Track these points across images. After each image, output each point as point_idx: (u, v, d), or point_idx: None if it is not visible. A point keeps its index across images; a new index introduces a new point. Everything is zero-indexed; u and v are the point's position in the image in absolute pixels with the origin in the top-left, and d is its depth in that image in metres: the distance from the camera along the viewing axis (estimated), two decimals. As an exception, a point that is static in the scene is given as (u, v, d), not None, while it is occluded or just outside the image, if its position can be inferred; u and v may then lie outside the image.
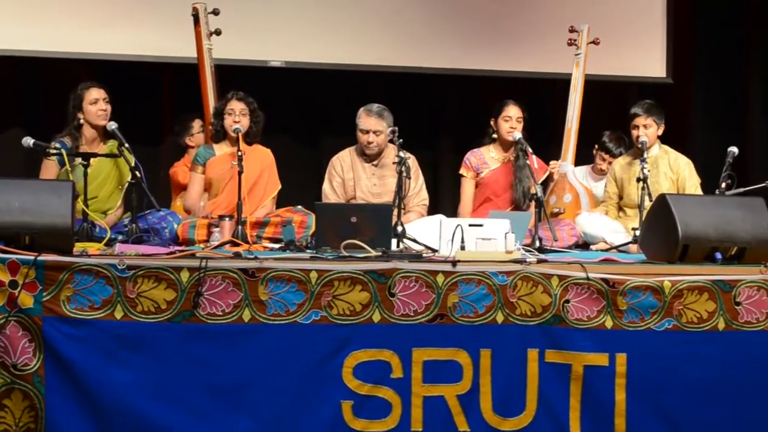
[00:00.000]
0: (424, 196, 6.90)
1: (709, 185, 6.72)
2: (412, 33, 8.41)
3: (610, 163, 7.21)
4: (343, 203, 6.61)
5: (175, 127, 7.70)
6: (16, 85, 8.08)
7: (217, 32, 7.15)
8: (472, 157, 7.08)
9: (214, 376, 4.45)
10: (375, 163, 6.80)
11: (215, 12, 7.14)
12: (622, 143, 7.27)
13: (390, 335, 4.59)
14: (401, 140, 6.00)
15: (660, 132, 6.74)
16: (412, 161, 6.54)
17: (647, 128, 6.65)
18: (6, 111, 8.01)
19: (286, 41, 8.19)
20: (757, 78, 9.03)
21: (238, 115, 6.45)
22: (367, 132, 6.68)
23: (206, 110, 7.00)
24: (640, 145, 6.52)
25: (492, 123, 7.03)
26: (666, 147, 6.84)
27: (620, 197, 6.85)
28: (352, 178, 6.78)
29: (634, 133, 6.68)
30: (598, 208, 6.95)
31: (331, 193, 6.78)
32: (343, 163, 6.82)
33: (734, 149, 6.41)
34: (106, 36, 7.87)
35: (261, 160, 6.58)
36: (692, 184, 6.71)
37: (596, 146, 7.52)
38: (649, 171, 6.27)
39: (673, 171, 6.73)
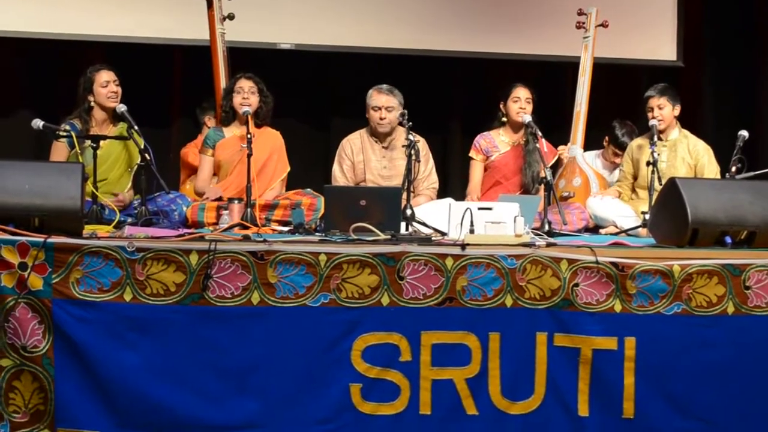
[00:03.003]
0: (434, 180, 6.91)
1: (720, 169, 6.70)
2: (421, 16, 8.39)
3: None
4: (353, 186, 6.61)
5: (203, 103, 7.70)
6: (27, 68, 8.09)
7: (230, 17, 7.13)
8: (482, 140, 7.07)
9: (223, 358, 4.46)
10: (385, 145, 6.80)
11: None
12: (634, 135, 7.23)
13: (399, 318, 4.59)
14: (411, 123, 6.00)
15: (676, 113, 6.73)
16: (422, 144, 6.56)
17: (662, 108, 6.65)
18: (16, 93, 8.02)
19: (296, 24, 8.18)
20: (769, 60, 9.01)
21: (247, 93, 6.45)
22: (379, 108, 6.70)
23: (218, 94, 6.99)
24: (651, 128, 6.51)
25: (501, 106, 7.03)
26: (686, 131, 6.83)
27: (635, 178, 6.84)
28: (362, 160, 6.79)
29: (650, 115, 6.68)
30: (612, 189, 6.94)
31: (340, 176, 6.79)
32: (353, 145, 6.83)
33: (744, 133, 6.39)
34: (116, 18, 7.87)
35: (270, 142, 6.58)
36: (711, 170, 6.69)
37: (607, 138, 7.49)
38: (659, 155, 6.27)
39: (691, 156, 6.71)
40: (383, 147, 6.81)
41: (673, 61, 8.79)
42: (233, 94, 6.51)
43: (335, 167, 6.86)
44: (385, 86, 6.77)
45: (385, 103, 6.70)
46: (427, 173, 6.85)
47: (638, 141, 6.92)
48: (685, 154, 6.72)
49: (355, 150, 6.82)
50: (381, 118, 6.70)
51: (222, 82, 6.98)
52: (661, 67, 8.74)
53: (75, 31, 7.83)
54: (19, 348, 4.32)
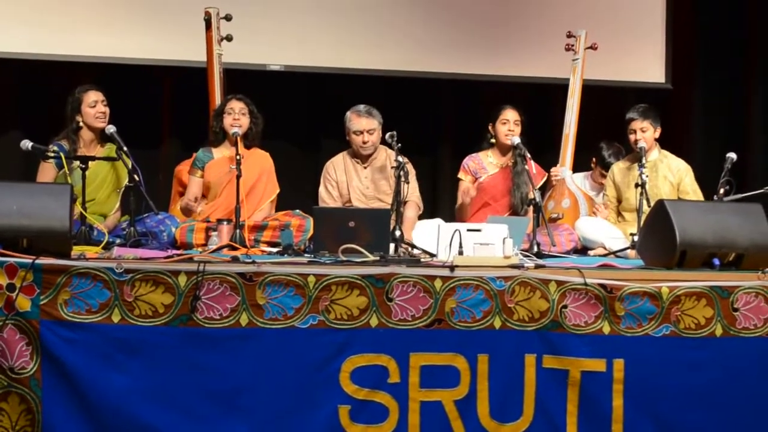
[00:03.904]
0: (415, 185, 6.88)
1: (707, 191, 6.72)
2: (411, 38, 8.41)
3: None
4: (342, 207, 6.61)
5: None
6: (16, 88, 8.08)
7: (228, 38, 7.16)
8: (471, 161, 7.09)
9: (212, 380, 4.44)
10: (366, 165, 6.81)
11: (227, 18, 7.15)
12: (621, 156, 7.25)
13: (387, 340, 4.58)
14: (399, 145, 6.01)
15: (657, 135, 6.75)
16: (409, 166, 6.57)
17: (644, 131, 6.66)
18: (5, 114, 8.01)
19: (286, 45, 8.19)
20: (758, 83, 9.03)
21: (237, 114, 6.46)
22: (361, 132, 6.72)
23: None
24: (638, 151, 6.52)
25: (490, 127, 7.04)
26: (665, 152, 6.84)
27: (619, 201, 6.85)
28: (345, 180, 6.80)
29: (632, 137, 6.69)
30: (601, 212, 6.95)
31: (327, 196, 6.81)
32: (336, 166, 6.86)
33: (733, 155, 6.42)
34: (106, 39, 7.88)
35: (260, 163, 6.59)
36: (694, 190, 6.71)
37: (594, 159, 7.51)
38: (647, 176, 6.27)
39: (673, 175, 6.73)
40: (364, 167, 6.83)
41: (662, 83, 8.83)
42: (224, 116, 6.52)
43: (321, 189, 6.88)
44: (362, 108, 6.78)
45: (366, 127, 6.72)
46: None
47: (619, 165, 6.94)
48: (667, 173, 6.73)
49: (339, 170, 6.85)
50: (364, 142, 6.73)
51: (218, 102, 6.98)
52: (649, 88, 8.76)
53: (64, 52, 7.83)
54: (6, 369, 4.29)
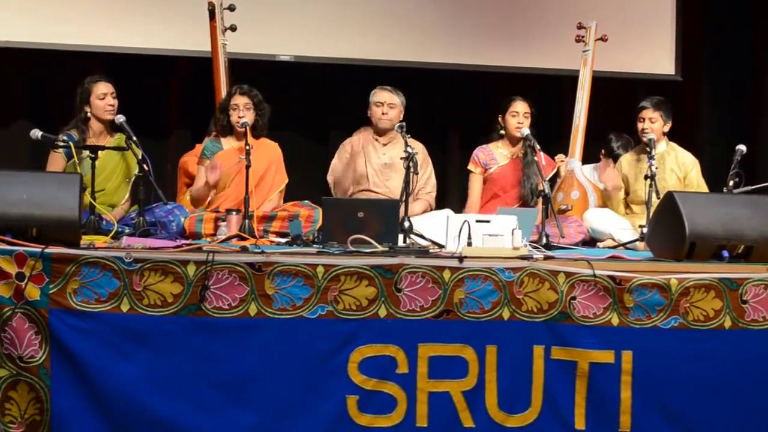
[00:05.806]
0: (432, 184, 6.92)
1: (717, 183, 6.70)
2: (420, 28, 8.41)
3: None
4: (350, 198, 6.61)
5: None
6: (25, 78, 8.09)
7: (233, 28, 7.16)
8: (480, 152, 7.08)
9: (220, 370, 4.45)
10: (385, 141, 6.83)
11: (231, 8, 7.15)
12: (630, 148, 7.23)
13: (396, 330, 4.59)
14: (409, 136, 6.01)
15: (666, 129, 6.73)
16: (420, 150, 6.59)
17: (653, 122, 6.64)
18: (14, 103, 8.02)
19: (296, 36, 8.19)
20: (766, 75, 8.99)
21: (242, 110, 6.44)
22: (382, 104, 6.78)
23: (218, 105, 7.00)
24: (647, 141, 6.51)
25: (500, 119, 7.03)
26: (673, 144, 6.83)
27: (627, 193, 6.84)
28: (362, 156, 6.81)
29: (640, 126, 6.67)
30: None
31: (339, 166, 6.85)
32: (354, 143, 6.91)
33: (742, 147, 6.40)
34: (115, 29, 7.88)
35: (268, 154, 6.58)
36: (698, 184, 6.69)
37: (603, 151, 7.49)
38: (656, 168, 6.25)
39: (680, 168, 6.71)
40: (384, 144, 6.83)
41: (671, 75, 8.81)
42: (229, 111, 6.50)
43: (334, 161, 6.93)
44: (388, 86, 6.86)
45: (387, 100, 6.79)
46: (426, 177, 6.86)
47: (627, 157, 6.92)
48: (674, 166, 6.72)
49: (356, 146, 6.86)
50: (383, 113, 6.76)
51: (223, 93, 6.98)
52: (659, 80, 8.74)
53: (75, 42, 7.84)
54: (15, 358, 4.31)
